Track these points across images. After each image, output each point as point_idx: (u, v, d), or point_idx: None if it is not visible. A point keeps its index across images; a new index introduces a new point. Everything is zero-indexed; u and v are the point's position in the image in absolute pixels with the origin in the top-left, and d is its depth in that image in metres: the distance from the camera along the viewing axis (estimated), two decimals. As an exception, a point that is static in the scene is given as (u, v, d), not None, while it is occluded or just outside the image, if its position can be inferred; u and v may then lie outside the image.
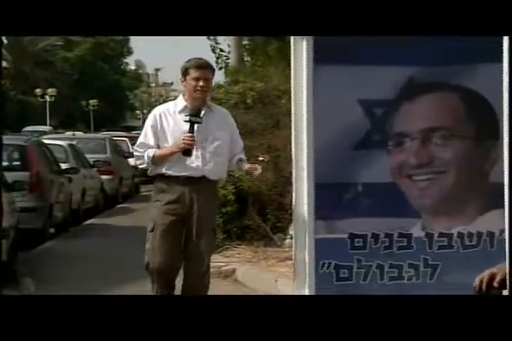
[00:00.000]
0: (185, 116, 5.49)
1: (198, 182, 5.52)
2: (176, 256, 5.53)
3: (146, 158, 5.55)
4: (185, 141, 5.43)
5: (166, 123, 5.58)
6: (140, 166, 5.75)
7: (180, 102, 5.63)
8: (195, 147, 5.47)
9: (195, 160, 5.51)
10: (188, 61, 5.62)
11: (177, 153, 5.49)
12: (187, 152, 5.46)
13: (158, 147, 5.56)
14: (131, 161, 21.91)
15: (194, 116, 5.47)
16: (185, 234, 5.55)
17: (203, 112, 5.54)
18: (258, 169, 5.55)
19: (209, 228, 5.64)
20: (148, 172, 5.73)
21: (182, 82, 5.63)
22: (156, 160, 5.55)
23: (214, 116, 5.64)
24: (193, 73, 5.53)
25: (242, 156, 5.67)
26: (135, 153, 5.71)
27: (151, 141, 5.58)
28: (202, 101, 5.59)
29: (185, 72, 5.58)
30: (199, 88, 5.51)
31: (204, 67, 5.58)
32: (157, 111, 5.68)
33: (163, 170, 5.55)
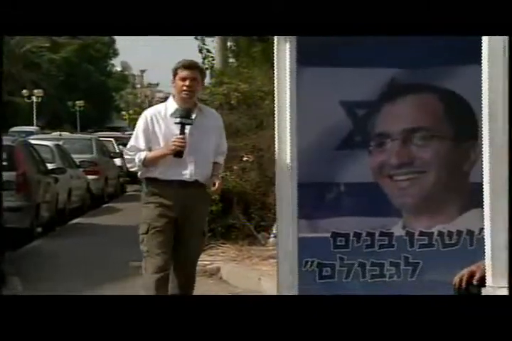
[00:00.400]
0: (176, 117, 5.41)
1: (191, 186, 5.44)
2: (170, 258, 5.47)
3: (137, 160, 5.46)
4: (177, 143, 5.36)
5: (157, 126, 5.49)
6: (131, 169, 5.67)
7: (171, 104, 5.53)
8: (186, 149, 5.38)
9: (188, 164, 5.43)
10: (178, 62, 5.56)
11: (168, 155, 5.40)
12: (178, 154, 5.37)
13: (150, 150, 5.48)
14: (118, 161, 22.02)
15: (185, 117, 5.39)
16: (176, 236, 5.48)
17: (194, 114, 5.48)
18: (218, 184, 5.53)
19: (199, 231, 5.61)
20: (138, 175, 5.63)
21: (172, 83, 5.57)
22: (147, 163, 5.46)
23: (205, 117, 5.57)
24: (181, 73, 5.47)
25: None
26: (126, 156, 5.63)
27: (142, 144, 5.49)
28: (192, 103, 5.51)
29: (174, 73, 5.52)
30: (185, 88, 5.43)
31: (191, 67, 5.50)
32: (148, 113, 5.58)
33: (156, 174, 5.47)
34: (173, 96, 5.57)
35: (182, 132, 5.38)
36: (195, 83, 5.49)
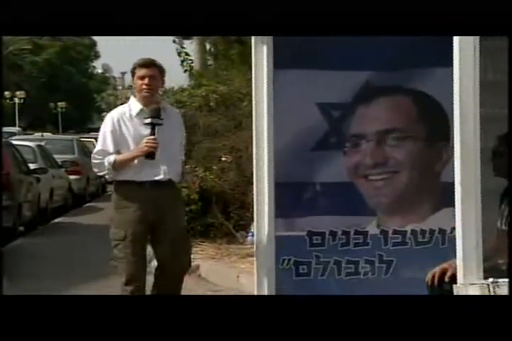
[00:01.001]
0: (146, 118, 5.16)
1: (163, 186, 5.19)
2: (145, 264, 5.23)
3: (106, 164, 5.16)
4: (149, 144, 5.11)
5: (124, 127, 5.21)
6: (99, 173, 5.36)
7: (135, 104, 5.28)
8: (157, 150, 5.13)
9: (160, 164, 5.17)
10: (135, 62, 5.34)
11: (140, 157, 5.15)
12: (150, 155, 5.12)
13: (118, 153, 5.19)
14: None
15: (155, 117, 5.15)
16: (157, 238, 5.23)
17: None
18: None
19: (182, 230, 5.39)
20: (108, 178, 5.35)
21: (133, 83, 5.35)
22: (117, 166, 5.17)
23: (169, 116, 5.30)
24: (138, 72, 5.23)
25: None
26: (94, 161, 5.28)
27: (111, 148, 5.19)
28: (155, 101, 5.26)
29: (132, 72, 5.30)
30: (144, 86, 5.19)
31: (148, 65, 5.24)
32: (113, 116, 5.28)
33: (128, 177, 5.18)
34: (135, 96, 5.33)
35: (153, 133, 5.14)
36: (154, 81, 5.25)
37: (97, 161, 5.25)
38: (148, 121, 5.15)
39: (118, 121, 5.23)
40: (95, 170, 5.33)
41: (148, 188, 5.16)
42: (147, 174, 5.18)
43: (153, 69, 5.25)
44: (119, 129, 5.22)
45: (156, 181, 5.18)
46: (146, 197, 5.16)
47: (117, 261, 5.22)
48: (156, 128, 5.14)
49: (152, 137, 5.12)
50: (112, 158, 5.17)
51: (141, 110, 5.21)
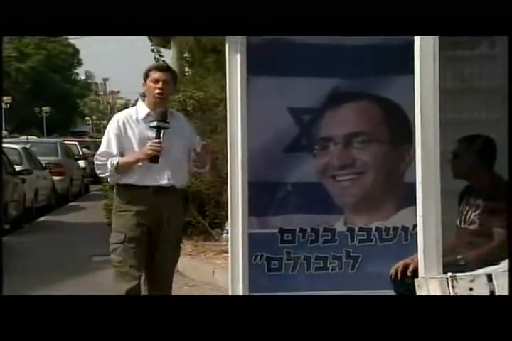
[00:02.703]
0: (152, 121, 4.85)
1: (167, 192, 4.88)
2: (142, 268, 4.90)
3: (109, 166, 4.85)
4: (153, 148, 4.79)
5: (130, 130, 4.90)
6: (102, 175, 5.01)
7: (142, 108, 4.98)
8: (162, 154, 4.82)
9: (164, 169, 4.86)
10: (150, 65, 5.06)
11: (144, 160, 4.83)
12: (154, 159, 4.81)
13: (122, 155, 4.88)
14: (82, 163, 21.84)
15: (162, 121, 4.84)
16: (152, 244, 4.91)
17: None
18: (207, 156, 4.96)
19: (176, 238, 5.04)
20: (110, 181, 5.06)
21: (144, 86, 5.00)
22: (120, 169, 4.85)
23: (176, 121, 5.02)
24: (153, 75, 4.92)
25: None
26: (97, 162, 4.95)
27: (115, 150, 4.88)
28: (164, 106, 4.96)
29: (146, 75, 4.96)
30: (158, 90, 4.88)
31: (163, 69, 4.96)
32: (119, 118, 4.97)
33: (131, 181, 4.87)
34: (143, 100, 5.06)
35: (158, 136, 4.82)
36: (168, 86, 4.95)
37: (100, 163, 4.92)
38: (154, 124, 4.84)
39: (124, 123, 4.92)
40: (98, 171, 4.99)
41: (152, 193, 4.85)
42: (151, 179, 4.86)
43: (168, 73, 4.96)
44: (125, 132, 4.91)
45: (160, 186, 4.87)
46: (148, 202, 4.86)
47: (115, 265, 4.89)
48: (162, 132, 4.84)
49: (157, 140, 4.81)
50: (115, 160, 4.86)
51: (148, 114, 4.93)
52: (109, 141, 4.92)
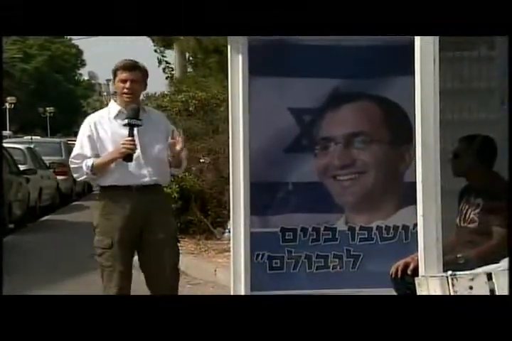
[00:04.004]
0: (124, 119, 4.65)
1: (151, 190, 4.67)
2: (131, 270, 4.72)
3: (84, 168, 4.66)
4: (126, 145, 4.58)
5: (102, 131, 4.70)
6: (79, 179, 4.82)
7: (114, 107, 4.77)
8: (137, 152, 4.62)
9: (144, 167, 4.66)
10: (117, 63, 4.79)
11: (118, 159, 4.62)
12: (128, 157, 4.60)
13: (97, 157, 4.68)
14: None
15: (133, 118, 4.63)
16: (146, 246, 4.68)
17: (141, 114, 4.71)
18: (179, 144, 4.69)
19: (170, 237, 4.75)
20: (92, 184, 4.88)
21: (113, 85, 4.82)
22: (96, 170, 4.65)
23: (151, 118, 4.78)
24: (120, 75, 4.71)
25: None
26: (72, 166, 4.74)
27: (88, 151, 4.67)
28: (136, 103, 4.74)
29: (114, 74, 4.76)
30: (126, 90, 4.68)
31: (131, 69, 4.71)
32: (91, 119, 4.77)
33: (112, 181, 4.66)
34: (115, 100, 4.85)
35: (131, 134, 4.62)
36: (137, 85, 4.73)
37: (75, 166, 4.73)
38: (126, 121, 4.64)
39: (95, 123, 4.72)
40: (74, 175, 4.80)
41: (135, 193, 4.64)
42: (132, 177, 4.66)
43: (135, 72, 4.73)
44: (96, 132, 4.71)
45: (143, 185, 4.66)
46: (132, 202, 4.64)
47: (103, 270, 4.70)
48: (136, 129, 4.65)
49: (129, 138, 4.60)
50: (89, 161, 4.65)
51: (120, 112, 4.72)
52: (82, 142, 4.73)
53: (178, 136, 4.74)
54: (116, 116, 4.74)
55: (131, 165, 4.66)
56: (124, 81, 4.70)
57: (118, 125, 4.71)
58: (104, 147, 4.70)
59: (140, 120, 4.66)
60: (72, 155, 4.77)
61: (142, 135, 4.68)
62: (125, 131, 4.66)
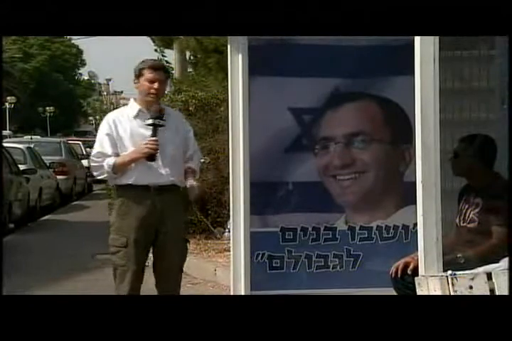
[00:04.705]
0: (148, 119, 4.62)
1: (168, 191, 4.62)
2: (143, 270, 4.69)
3: (106, 167, 4.60)
4: (150, 146, 4.55)
5: (121, 129, 4.65)
6: (100, 177, 4.74)
7: (134, 106, 4.72)
8: (158, 152, 4.60)
9: (163, 167, 4.62)
10: (143, 62, 4.73)
11: (140, 158, 4.59)
12: (151, 157, 4.57)
13: (117, 155, 4.63)
14: (85, 163, 21.84)
15: (157, 118, 4.61)
16: (160, 246, 4.65)
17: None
18: (195, 188, 4.70)
19: (182, 239, 4.75)
20: (109, 182, 4.82)
21: (135, 83, 4.73)
22: (117, 169, 4.60)
23: (170, 118, 4.73)
24: (148, 74, 4.64)
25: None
26: (92, 164, 4.70)
27: (109, 150, 4.62)
28: (158, 103, 4.73)
29: (139, 73, 4.68)
30: (153, 90, 4.63)
31: (159, 69, 4.68)
32: (110, 117, 4.72)
33: (131, 181, 4.61)
34: (135, 99, 4.80)
35: (154, 134, 4.59)
36: (163, 85, 4.72)
37: (96, 164, 4.68)
38: (150, 121, 4.61)
39: (114, 122, 4.67)
40: (94, 173, 4.73)
41: (153, 192, 4.60)
42: (150, 177, 4.61)
43: (163, 72, 4.72)
44: (116, 131, 4.66)
45: (160, 185, 4.61)
46: (150, 202, 4.60)
47: (116, 269, 4.67)
48: (158, 129, 4.62)
49: (153, 138, 4.58)
50: (111, 160, 4.60)
51: (140, 111, 4.69)
52: (102, 141, 4.68)
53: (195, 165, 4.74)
54: (137, 116, 4.69)
55: (150, 165, 4.62)
56: (152, 81, 4.64)
57: (137, 124, 4.67)
58: (124, 146, 4.65)
59: (164, 120, 4.64)
60: (93, 153, 4.72)
61: (161, 135, 4.64)
62: (144, 130, 4.63)
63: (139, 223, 4.59)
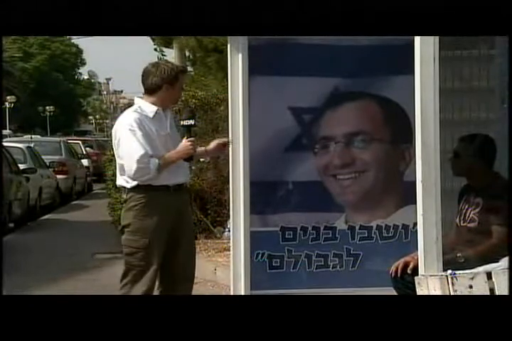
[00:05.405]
0: (183, 120, 4.61)
1: (182, 190, 4.65)
2: (159, 270, 4.63)
3: (152, 168, 4.48)
4: (192, 147, 4.56)
5: (148, 130, 4.56)
6: (142, 178, 4.52)
7: (149, 106, 4.62)
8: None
9: (181, 167, 4.64)
10: (174, 65, 4.70)
11: (181, 159, 4.59)
12: (190, 158, 4.62)
13: (152, 156, 4.52)
14: (85, 162, 21.84)
15: (191, 119, 4.63)
16: (176, 245, 4.62)
17: (169, 115, 4.69)
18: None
19: (193, 236, 4.84)
20: (140, 182, 4.54)
21: (171, 86, 4.59)
22: (162, 170, 4.52)
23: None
24: (182, 79, 4.67)
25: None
26: (140, 166, 4.48)
27: (150, 151, 4.51)
28: (188, 105, 5.02)
29: (175, 78, 4.59)
30: (181, 95, 4.83)
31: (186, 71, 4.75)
32: (131, 119, 4.58)
33: (163, 181, 4.56)
34: (141, 98, 4.70)
35: (190, 135, 4.60)
36: None
37: (142, 165, 4.49)
38: (187, 122, 4.61)
39: (141, 123, 4.56)
40: (136, 174, 4.53)
41: (172, 192, 4.58)
42: (170, 177, 4.58)
43: None
44: (145, 131, 4.56)
45: (178, 184, 4.62)
46: (169, 202, 4.56)
47: (131, 269, 4.59)
48: (192, 129, 4.65)
49: (191, 139, 4.56)
50: (156, 161, 4.51)
51: (158, 111, 4.62)
52: (139, 142, 4.52)
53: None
54: (155, 116, 4.62)
55: (174, 165, 4.59)
56: (183, 85, 4.74)
57: (155, 125, 4.60)
58: (154, 146, 4.56)
59: (196, 120, 4.69)
60: (137, 156, 4.50)
61: (175, 134, 4.66)
62: (161, 130, 4.59)
63: (161, 224, 4.54)
